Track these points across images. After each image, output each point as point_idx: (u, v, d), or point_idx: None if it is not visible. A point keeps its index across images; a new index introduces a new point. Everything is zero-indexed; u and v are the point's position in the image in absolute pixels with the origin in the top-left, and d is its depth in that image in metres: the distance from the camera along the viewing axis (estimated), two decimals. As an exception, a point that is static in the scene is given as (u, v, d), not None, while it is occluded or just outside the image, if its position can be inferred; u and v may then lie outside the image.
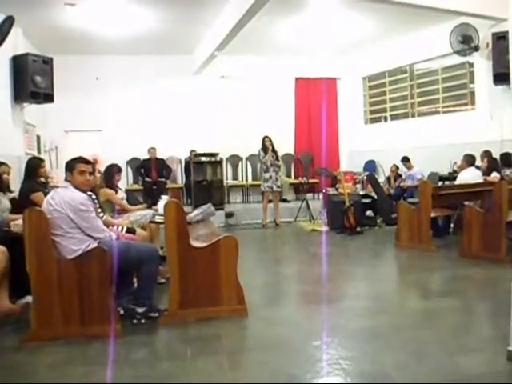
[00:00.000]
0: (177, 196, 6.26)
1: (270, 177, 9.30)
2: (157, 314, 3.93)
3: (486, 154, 7.55)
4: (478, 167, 7.44)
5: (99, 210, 4.53)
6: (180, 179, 11.55)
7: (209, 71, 10.95)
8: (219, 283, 3.97)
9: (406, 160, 9.75)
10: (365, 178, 9.83)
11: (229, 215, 9.64)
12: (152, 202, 7.96)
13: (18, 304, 4.04)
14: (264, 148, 9.35)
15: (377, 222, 9.01)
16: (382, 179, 10.23)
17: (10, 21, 6.82)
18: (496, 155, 7.49)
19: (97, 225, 3.75)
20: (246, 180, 11.74)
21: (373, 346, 3.40)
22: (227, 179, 11.40)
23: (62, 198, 3.61)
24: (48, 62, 8.12)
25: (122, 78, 10.79)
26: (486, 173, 7.24)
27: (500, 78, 7.85)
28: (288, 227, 9.43)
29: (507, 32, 2.91)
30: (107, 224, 4.48)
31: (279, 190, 9.51)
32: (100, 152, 10.57)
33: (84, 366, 3.13)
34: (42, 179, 5.81)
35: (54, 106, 8.76)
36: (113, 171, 5.77)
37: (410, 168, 9.71)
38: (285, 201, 10.96)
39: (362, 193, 9.44)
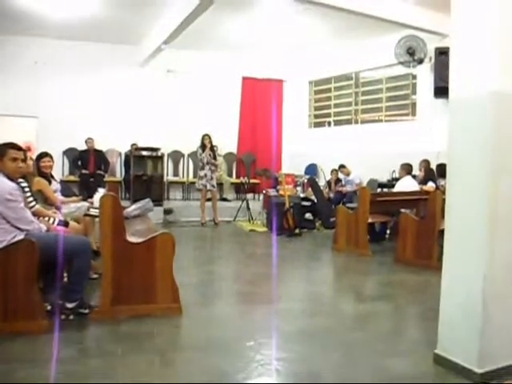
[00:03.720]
0: (114, 189, 6.10)
1: (205, 175, 9.24)
2: (87, 310, 3.80)
3: (425, 163, 7.80)
4: (414, 176, 7.66)
5: (31, 199, 4.33)
6: (119, 173, 11.25)
7: (155, 64, 10.73)
8: (154, 280, 3.88)
9: (342, 167, 9.91)
10: (305, 180, 9.93)
11: (168, 212, 9.48)
12: (88, 194, 7.70)
13: None
14: (202, 145, 9.29)
15: (316, 224, 9.11)
16: (322, 183, 10.36)
17: None
18: (433, 166, 7.74)
19: (25, 216, 3.55)
20: (187, 177, 11.59)
21: (307, 347, 3.40)
22: (168, 175, 11.21)
23: (-12, 187, 3.40)
24: (-17, 41, 7.69)
25: (63, 63, 10.36)
26: (422, 182, 7.48)
27: (440, 91, 8.12)
28: (227, 226, 9.38)
29: (448, 48, 3.01)
30: (39, 215, 4.28)
31: (213, 189, 9.42)
32: (35, 140, 10.15)
33: (5, 364, 2.96)
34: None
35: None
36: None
37: (347, 174, 9.85)
38: (225, 200, 10.91)
39: (302, 195, 9.52)
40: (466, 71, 2.99)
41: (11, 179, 3.57)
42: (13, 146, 3.63)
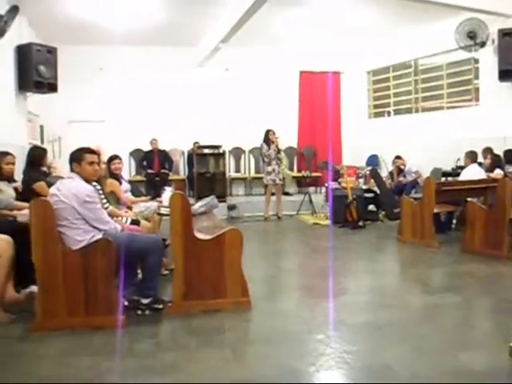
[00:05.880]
0: (181, 188, 6.29)
1: (273, 170, 9.31)
2: (161, 306, 3.94)
3: (488, 150, 7.56)
4: (480, 164, 7.44)
5: (104, 201, 4.56)
6: (182, 171, 11.55)
7: (213, 63, 10.92)
8: (223, 275, 3.99)
9: (397, 158, 9.73)
10: (367, 172, 9.82)
11: (231, 208, 9.65)
12: (155, 193, 7.97)
13: (22, 293, 4.06)
14: (267, 141, 9.35)
15: (379, 216, 9.02)
16: (384, 174, 10.22)
17: (14, 11, 6.81)
18: (499, 152, 7.49)
19: (102, 217, 3.75)
20: (249, 172, 11.75)
21: (375, 340, 3.42)
22: (230, 171, 11.40)
23: (69, 190, 3.62)
24: (52, 51, 8.09)
25: (126, 68, 10.76)
26: (489, 169, 7.25)
27: (505, 74, 7.84)
28: (290, 220, 9.45)
29: (514, 28, 2.95)
30: (112, 215, 4.49)
31: (282, 182, 9.52)
32: (103, 143, 10.57)
33: (89, 357, 3.14)
34: (44, 169, 5.83)
35: (57, 96, 8.74)
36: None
37: (403, 165, 9.65)
38: (287, 194, 10.97)
39: (364, 187, 9.44)
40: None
41: (88, 182, 3.78)
42: (88, 150, 3.85)
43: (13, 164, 5.12)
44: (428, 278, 5.31)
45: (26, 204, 4.21)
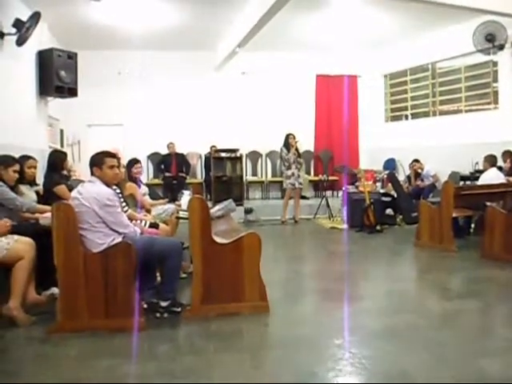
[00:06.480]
0: (198, 191, 6.32)
1: (293, 174, 9.30)
2: (179, 309, 3.96)
3: (508, 154, 7.48)
4: (500, 168, 7.37)
5: (123, 204, 4.60)
6: (200, 174, 11.62)
7: (230, 67, 10.97)
8: (242, 279, 3.99)
9: (415, 161, 9.68)
10: (385, 176, 9.77)
11: (248, 211, 9.66)
12: (172, 196, 8.03)
13: (43, 295, 4.13)
14: (287, 145, 9.34)
15: (396, 220, 8.97)
16: (402, 177, 10.17)
17: (36, 17, 6.91)
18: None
19: (122, 220, 3.79)
20: (266, 176, 11.77)
21: (394, 345, 3.39)
22: (247, 175, 11.43)
23: (90, 194, 3.66)
24: (72, 56, 8.20)
25: (144, 72, 10.86)
26: (509, 173, 7.18)
27: (525, 77, 7.76)
28: (307, 224, 9.43)
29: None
30: (130, 218, 4.54)
31: (301, 186, 9.50)
32: (121, 146, 10.69)
33: (109, 359, 3.17)
34: (65, 172, 5.91)
35: (77, 101, 8.84)
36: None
37: (421, 169, 9.59)
38: (304, 198, 10.95)
39: (382, 191, 9.39)
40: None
41: (108, 185, 3.82)
42: (109, 154, 3.89)
43: (34, 168, 5.22)
44: (447, 284, 5.27)
45: (47, 207, 4.28)
